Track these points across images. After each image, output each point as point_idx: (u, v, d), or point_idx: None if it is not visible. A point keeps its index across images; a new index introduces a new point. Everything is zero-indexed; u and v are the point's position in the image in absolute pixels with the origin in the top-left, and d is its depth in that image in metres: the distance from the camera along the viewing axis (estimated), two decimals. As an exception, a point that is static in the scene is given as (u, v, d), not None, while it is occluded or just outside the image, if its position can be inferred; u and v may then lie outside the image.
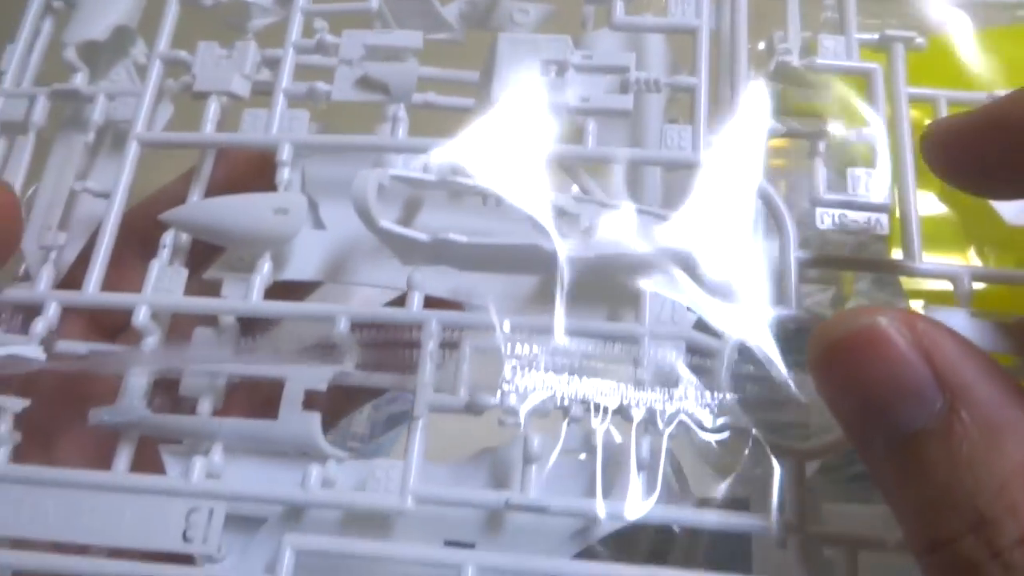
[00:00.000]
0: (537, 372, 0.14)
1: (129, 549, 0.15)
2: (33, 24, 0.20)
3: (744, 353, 0.14)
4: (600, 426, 0.14)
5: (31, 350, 0.16)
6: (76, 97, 0.19)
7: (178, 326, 0.17)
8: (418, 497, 0.14)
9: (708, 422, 0.14)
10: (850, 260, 0.16)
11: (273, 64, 0.18)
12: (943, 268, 0.15)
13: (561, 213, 0.16)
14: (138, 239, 0.17)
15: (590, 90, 0.17)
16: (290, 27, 0.18)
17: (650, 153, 0.17)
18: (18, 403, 0.16)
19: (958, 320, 0.13)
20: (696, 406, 0.14)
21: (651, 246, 0.15)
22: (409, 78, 0.17)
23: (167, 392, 0.17)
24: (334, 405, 0.17)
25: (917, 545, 0.12)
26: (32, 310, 0.16)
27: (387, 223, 0.15)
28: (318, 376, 0.15)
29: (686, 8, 0.17)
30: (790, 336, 0.15)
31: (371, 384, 0.16)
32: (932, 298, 0.15)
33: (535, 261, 0.15)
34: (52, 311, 0.16)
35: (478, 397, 0.15)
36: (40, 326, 0.16)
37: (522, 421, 0.14)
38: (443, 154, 0.16)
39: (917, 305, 0.15)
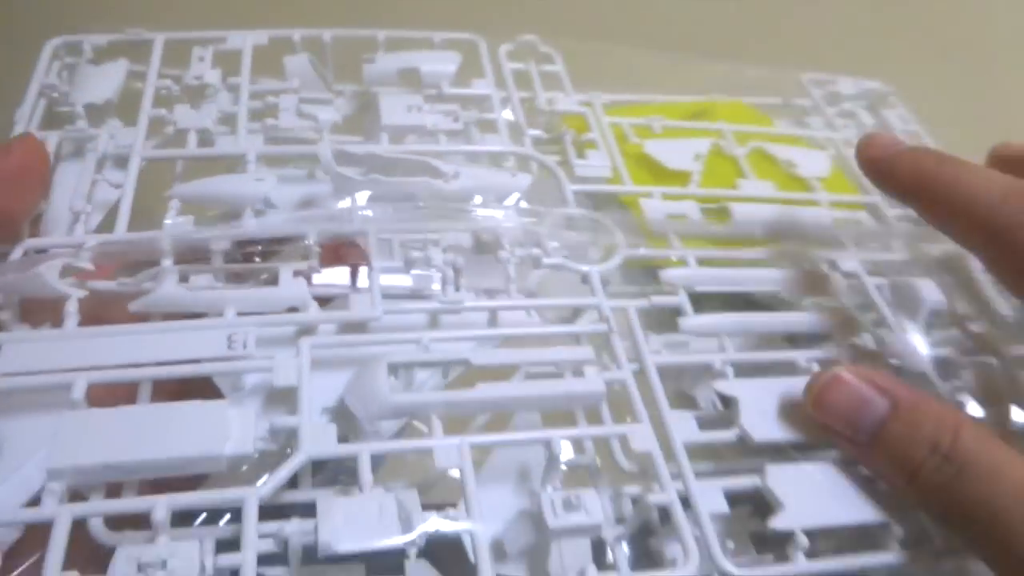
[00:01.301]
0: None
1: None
2: (32, 102, 0.27)
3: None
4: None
5: (82, 261, 0.22)
6: (80, 137, 0.26)
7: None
8: (387, 308, 0.23)
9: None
10: (594, 191, 0.28)
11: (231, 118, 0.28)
12: (641, 189, 0.29)
13: (437, 170, 0.27)
14: None
15: (437, 120, 0.29)
16: (242, 90, 0.28)
17: (481, 147, 0.29)
18: (80, 292, 0.22)
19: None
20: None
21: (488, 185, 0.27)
22: (330, 111, 0.28)
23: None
24: None
25: (902, 482, 0.20)
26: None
27: (340, 168, 0.25)
28: (297, 265, 0.24)
29: (483, 84, 0.31)
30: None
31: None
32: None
33: (425, 194, 0.26)
34: (91, 243, 0.23)
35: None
36: (82, 258, 0.23)
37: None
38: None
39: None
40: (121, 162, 0.26)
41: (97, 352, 0.21)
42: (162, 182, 0.27)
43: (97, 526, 0.18)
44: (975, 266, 0.28)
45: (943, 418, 0.20)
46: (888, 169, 0.24)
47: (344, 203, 0.25)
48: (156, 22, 0.31)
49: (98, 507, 0.18)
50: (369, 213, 0.24)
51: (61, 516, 0.17)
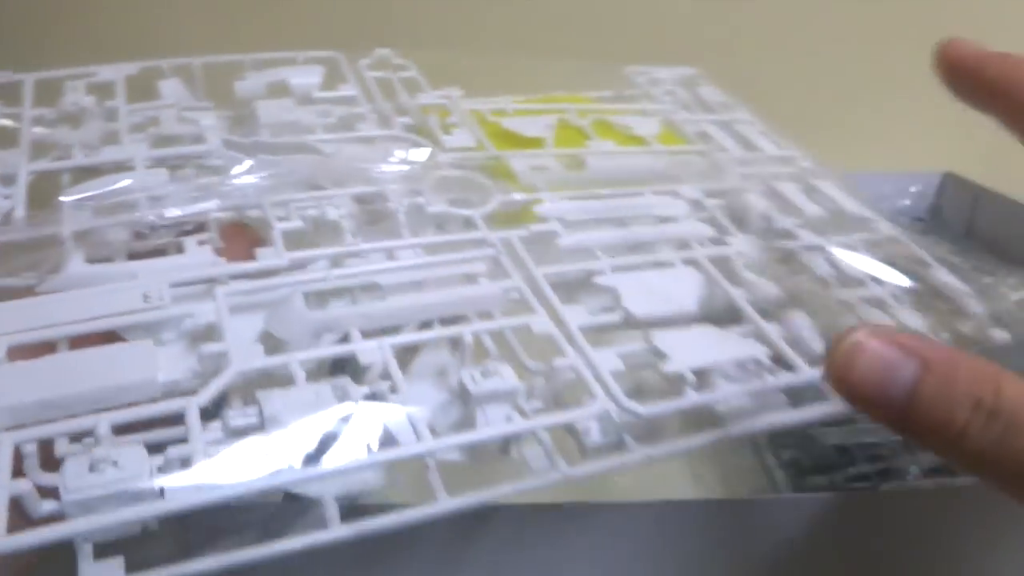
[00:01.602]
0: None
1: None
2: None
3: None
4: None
5: (-14, 254, 0.23)
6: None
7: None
8: (293, 261, 0.25)
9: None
10: (464, 158, 0.32)
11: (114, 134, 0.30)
12: (505, 152, 0.32)
13: (320, 149, 0.29)
14: None
15: (311, 117, 0.32)
16: (120, 109, 0.30)
17: (355, 134, 0.32)
18: (-13, 277, 0.22)
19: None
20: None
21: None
22: (211, 116, 0.30)
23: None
24: None
25: (948, 447, 0.18)
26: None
27: (230, 151, 0.27)
28: (200, 236, 0.25)
29: (348, 87, 0.34)
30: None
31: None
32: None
33: (311, 167, 0.28)
34: (-10, 243, 0.24)
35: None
36: (-17, 251, 0.23)
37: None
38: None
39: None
40: (8, 180, 0.27)
41: (12, 320, 0.21)
42: (53, 196, 0.28)
43: (32, 466, 0.19)
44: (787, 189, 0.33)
45: (981, 372, 0.18)
46: (974, 70, 0.24)
47: (238, 168, 0.27)
48: (23, 67, 0.32)
49: (38, 432, 0.18)
50: (264, 174, 0.26)
51: (2, 443, 0.18)
